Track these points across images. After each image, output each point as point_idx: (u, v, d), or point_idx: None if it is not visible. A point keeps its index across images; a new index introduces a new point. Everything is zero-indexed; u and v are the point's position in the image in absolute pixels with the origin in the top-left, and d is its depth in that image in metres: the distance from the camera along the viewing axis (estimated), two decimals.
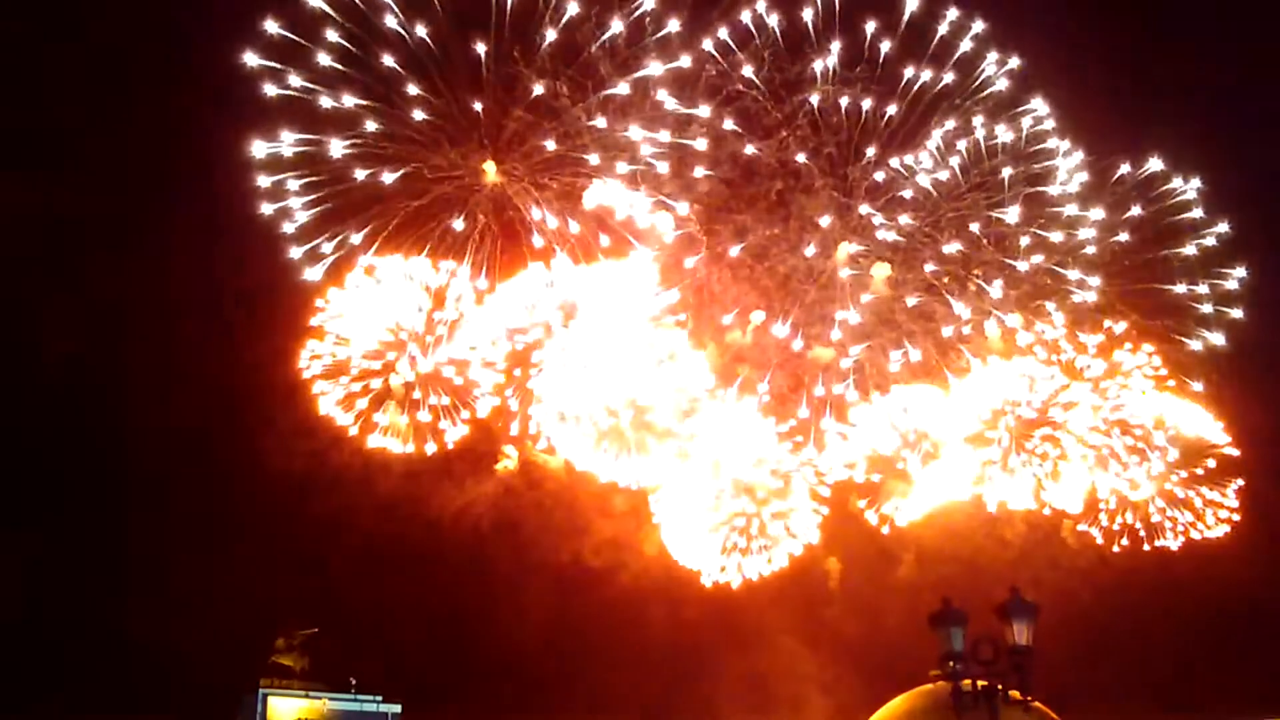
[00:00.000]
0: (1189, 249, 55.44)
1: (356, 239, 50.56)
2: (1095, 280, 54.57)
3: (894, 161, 53.01)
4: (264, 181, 49.15)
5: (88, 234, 53.54)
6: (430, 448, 52.43)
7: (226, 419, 53.48)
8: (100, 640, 56.34)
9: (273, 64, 47.90)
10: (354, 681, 55.87)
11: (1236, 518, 56.42)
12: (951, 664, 30.97)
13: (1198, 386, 55.84)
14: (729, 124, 51.65)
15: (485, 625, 56.30)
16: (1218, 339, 55.59)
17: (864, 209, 53.37)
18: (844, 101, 52.24)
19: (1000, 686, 30.93)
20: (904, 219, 53.53)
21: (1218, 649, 55.96)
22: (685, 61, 50.73)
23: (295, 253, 50.14)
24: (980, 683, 30.99)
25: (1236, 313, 55.64)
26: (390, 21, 48.89)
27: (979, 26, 52.51)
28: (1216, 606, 54.91)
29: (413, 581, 55.16)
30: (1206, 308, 55.66)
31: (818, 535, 54.06)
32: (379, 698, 55.58)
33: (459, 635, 56.00)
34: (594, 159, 51.14)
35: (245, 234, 50.25)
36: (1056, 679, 41.74)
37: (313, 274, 50.50)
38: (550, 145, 50.96)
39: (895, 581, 53.12)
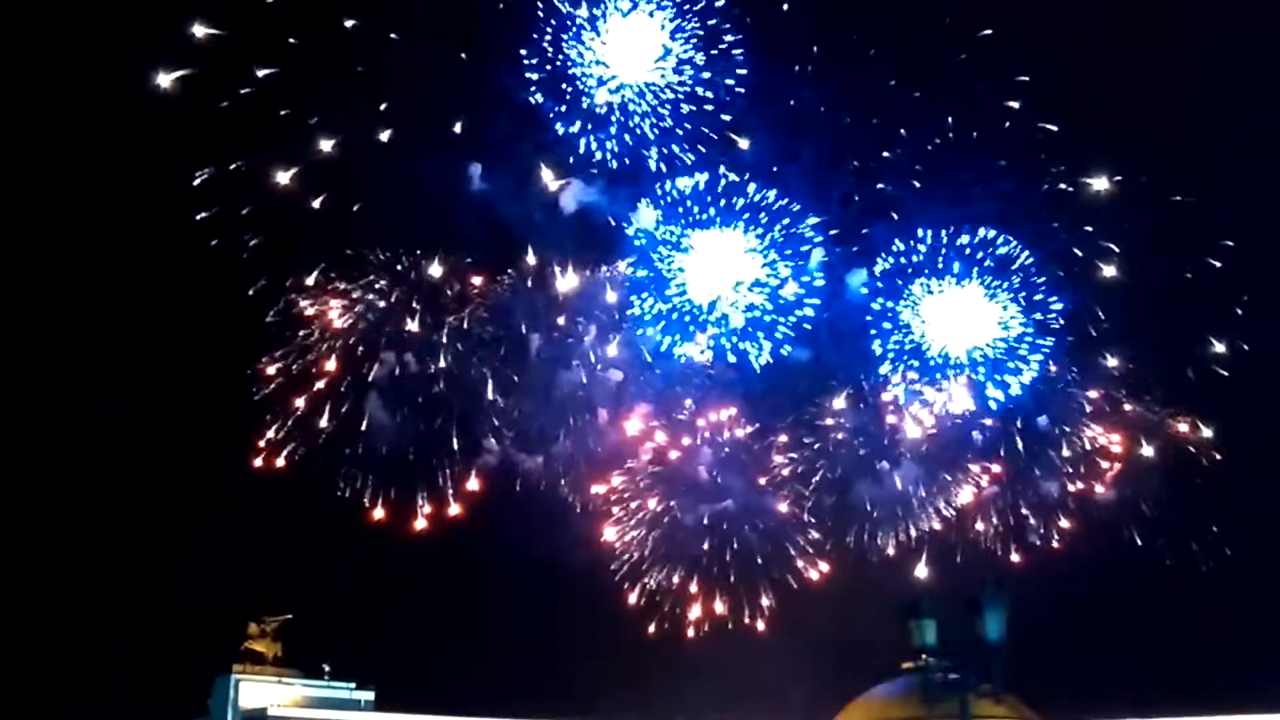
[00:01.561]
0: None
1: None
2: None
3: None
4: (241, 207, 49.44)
5: None
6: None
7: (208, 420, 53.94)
8: (74, 627, 56.62)
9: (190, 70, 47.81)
10: (327, 668, 56.06)
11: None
12: (923, 656, 31.58)
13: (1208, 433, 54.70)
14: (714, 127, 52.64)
15: (459, 614, 56.85)
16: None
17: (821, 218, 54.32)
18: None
19: (971, 679, 31.62)
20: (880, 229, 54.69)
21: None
22: (670, 67, 51.96)
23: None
24: (951, 675, 31.68)
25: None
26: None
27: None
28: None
29: (387, 570, 55.55)
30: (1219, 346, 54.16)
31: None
32: (352, 684, 55.79)
33: (432, 622, 56.47)
34: (579, 162, 52.13)
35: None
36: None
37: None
38: (534, 150, 51.74)
39: (867, 574, 53.77)
